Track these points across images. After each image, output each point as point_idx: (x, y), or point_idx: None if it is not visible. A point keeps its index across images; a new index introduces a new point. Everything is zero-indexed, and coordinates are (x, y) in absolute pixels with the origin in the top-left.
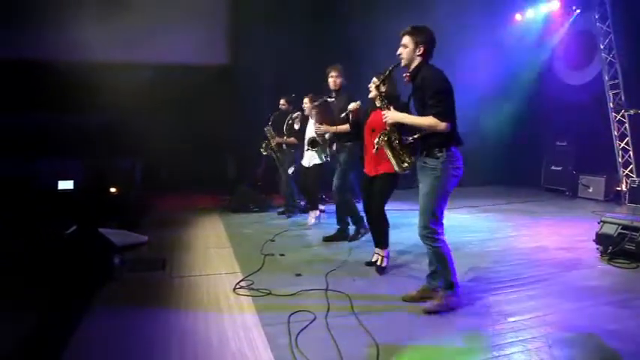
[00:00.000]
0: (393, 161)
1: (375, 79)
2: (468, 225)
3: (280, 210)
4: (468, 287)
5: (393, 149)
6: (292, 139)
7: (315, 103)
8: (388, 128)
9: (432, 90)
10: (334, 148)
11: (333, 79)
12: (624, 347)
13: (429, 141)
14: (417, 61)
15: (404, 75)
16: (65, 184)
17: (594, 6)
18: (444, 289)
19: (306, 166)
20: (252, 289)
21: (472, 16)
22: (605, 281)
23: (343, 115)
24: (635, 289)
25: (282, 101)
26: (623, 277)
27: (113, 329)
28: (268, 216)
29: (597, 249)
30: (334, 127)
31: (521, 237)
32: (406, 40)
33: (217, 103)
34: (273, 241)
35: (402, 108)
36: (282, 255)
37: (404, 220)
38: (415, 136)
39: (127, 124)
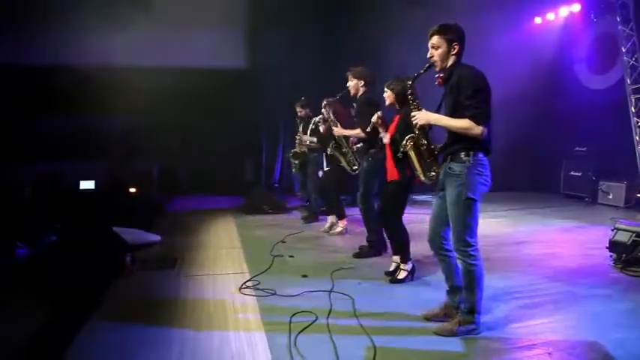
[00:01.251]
0: (419, 169)
1: (386, 88)
2: (480, 230)
3: (305, 215)
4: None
5: (420, 155)
6: (315, 144)
7: (329, 99)
8: (417, 131)
9: (471, 88)
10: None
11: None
12: (628, 356)
13: (455, 144)
14: (450, 61)
15: (436, 76)
16: (87, 184)
17: (616, 8)
18: (464, 313)
19: (325, 169)
20: (258, 289)
21: (491, 19)
22: (615, 289)
23: (369, 129)
24: None
25: (298, 109)
26: (634, 285)
27: (118, 325)
28: (282, 218)
29: (611, 256)
30: (348, 131)
31: (534, 243)
32: (437, 40)
33: (235, 106)
34: (284, 242)
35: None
36: (292, 256)
37: (420, 228)
38: (440, 145)
39: (147, 126)
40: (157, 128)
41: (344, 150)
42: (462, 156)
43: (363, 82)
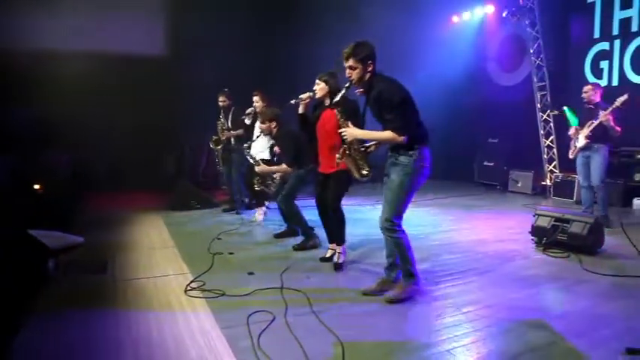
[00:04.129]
0: (353, 170)
1: (319, 81)
2: (411, 218)
3: (225, 207)
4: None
5: (352, 159)
6: (239, 131)
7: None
8: (347, 142)
9: (389, 106)
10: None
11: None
12: (570, 329)
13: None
14: (367, 76)
15: (356, 91)
16: None
17: (525, 12)
18: (404, 277)
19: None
20: (205, 290)
21: (410, 16)
22: (543, 270)
23: (293, 101)
24: (571, 275)
25: (221, 98)
26: (558, 265)
27: (55, 339)
28: (211, 213)
29: (532, 240)
30: (272, 168)
31: (462, 230)
32: (352, 62)
33: (155, 96)
34: (220, 239)
35: (353, 109)
36: (232, 253)
37: (358, 215)
38: (372, 144)
39: (59, 117)
40: (71, 119)
41: (268, 182)
42: (409, 152)
43: (275, 124)
